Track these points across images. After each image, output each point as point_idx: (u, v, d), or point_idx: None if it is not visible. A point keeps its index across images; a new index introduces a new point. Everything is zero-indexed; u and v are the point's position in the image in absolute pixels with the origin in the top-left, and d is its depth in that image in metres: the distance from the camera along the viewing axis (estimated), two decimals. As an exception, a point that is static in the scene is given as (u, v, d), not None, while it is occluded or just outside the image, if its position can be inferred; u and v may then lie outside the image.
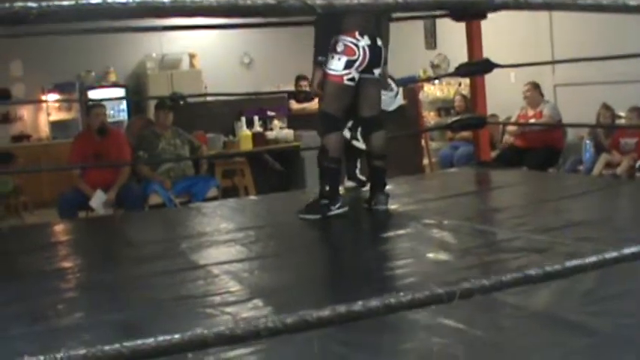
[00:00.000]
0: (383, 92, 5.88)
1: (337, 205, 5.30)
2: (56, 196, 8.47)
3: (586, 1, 1.60)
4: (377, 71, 5.32)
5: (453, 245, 4.33)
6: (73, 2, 1.25)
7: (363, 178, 6.38)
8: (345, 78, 5.15)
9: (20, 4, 1.21)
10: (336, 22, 5.09)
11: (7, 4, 1.20)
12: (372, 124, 5.51)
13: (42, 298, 3.73)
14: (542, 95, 10.10)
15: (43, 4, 1.21)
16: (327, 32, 5.17)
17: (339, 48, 5.12)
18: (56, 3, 1.24)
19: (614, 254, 1.78)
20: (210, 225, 5.41)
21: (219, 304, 3.38)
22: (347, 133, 6.07)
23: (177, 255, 4.63)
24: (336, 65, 5.13)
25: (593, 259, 1.74)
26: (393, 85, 6.01)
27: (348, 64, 5.12)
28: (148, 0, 1.33)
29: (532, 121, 9.99)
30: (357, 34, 5.12)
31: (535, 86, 10.04)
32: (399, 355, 2.69)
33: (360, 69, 5.16)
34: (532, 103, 10.04)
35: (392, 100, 6.07)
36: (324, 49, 5.17)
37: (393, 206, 5.52)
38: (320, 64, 5.20)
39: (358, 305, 1.49)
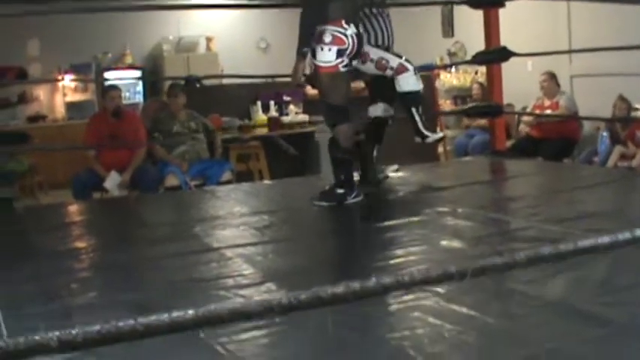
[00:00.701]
0: (402, 76, 5.86)
1: (353, 195, 5.29)
2: (71, 176, 8.48)
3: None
4: (355, 62, 5.30)
5: (466, 233, 4.33)
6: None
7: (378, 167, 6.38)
8: (340, 66, 5.11)
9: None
10: (321, 11, 5.05)
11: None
12: (337, 114, 5.40)
13: (56, 278, 3.75)
14: (558, 85, 10.07)
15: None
16: (312, 22, 5.10)
17: (327, 39, 5.04)
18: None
19: (628, 235, 1.78)
20: (224, 208, 5.43)
21: (232, 287, 3.39)
22: (418, 139, 6.07)
23: (190, 237, 4.65)
24: (328, 56, 5.07)
25: (606, 239, 1.74)
26: (408, 65, 5.96)
27: (340, 53, 5.07)
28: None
29: (548, 111, 9.96)
30: (343, 22, 5.08)
31: (552, 76, 10.00)
32: (410, 339, 2.69)
33: (350, 57, 5.14)
34: (548, 93, 10.01)
35: (417, 78, 6.01)
36: (308, 40, 5.11)
37: (406, 192, 5.52)
38: (304, 55, 5.16)
39: (372, 282, 1.49)
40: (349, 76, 5.33)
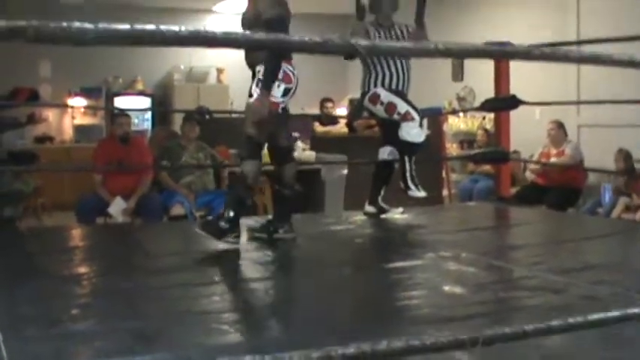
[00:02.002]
0: (407, 124, 5.93)
1: (234, 235, 5.11)
2: (76, 199, 8.50)
3: (621, 57, 1.63)
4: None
5: (468, 279, 4.33)
6: (128, 27, 1.28)
7: (383, 205, 6.40)
8: (281, 106, 5.11)
9: (78, 25, 1.24)
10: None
11: (64, 24, 1.23)
12: (286, 153, 5.45)
13: (57, 302, 3.76)
14: (566, 135, 10.10)
15: (100, 27, 1.24)
16: (279, 58, 5.03)
17: (280, 75, 5.01)
18: (113, 27, 1.27)
19: (637, 310, 1.80)
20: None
21: (233, 321, 3.40)
22: (401, 185, 6.14)
23: (193, 268, 4.66)
24: (276, 92, 5.02)
25: (616, 313, 1.75)
26: (416, 114, 6.02)
27: (286, 92, 5.07)
28: (201, 30, 1.37)
29: (554, 159, 9.98)
30: (292, 61, 5.10)
31: (560, 125, 10.03)
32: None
33: (289, 97, 5.15)
34: (555, 141, 10.04)
35: (419, 131, 6.07)
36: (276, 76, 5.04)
37: (410, 235, 5.54)
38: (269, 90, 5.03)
39: (382, 344, 1.51)
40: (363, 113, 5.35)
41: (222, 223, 5.08)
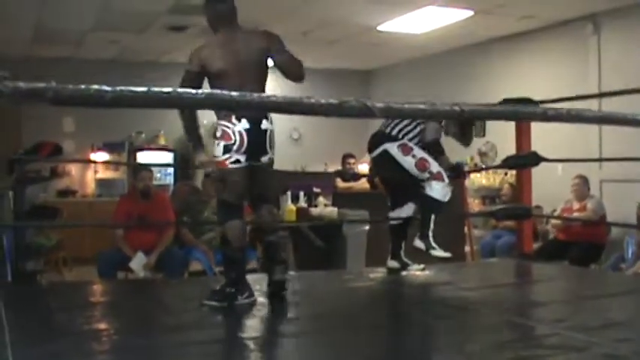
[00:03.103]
0: (437, 182, 5.95)
1: (245, 295, 5.12)
2: (97, 253, 8.52)
3: (636, 117, 1.62)
4: (264, 158, 5.17)
5: (489, 337, 4.31)
6: (145, 90, 1.29)
7: (406, 260, 6.38)
8: (228, 162, 5.02)
9: (95, 87, 1.25)
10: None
11: (82, 87, 1.24)
12: (262, 201, 5.33)
13: (76, 358, 3.75)
14: (589, 189, 10.08)
15: (117, 89, 1.25)
16: (184, 122, 5.23)
17: (218, 133, 5.04)
18: (130, 89, 1.28)
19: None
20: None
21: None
22: (420, 244, 6.11)
23: (213, 325, 4.66)
24: (217, 151, 5.05)
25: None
26: (445, 176, 6.05)
27: (227, 149, 5.00)
28: (217, 93, 1.37)
29: (576, 214, 9.95)
30: (233, 118, 4.99)
31: (584, 181, 10.02)
32: None
33: (242, 151, 5.02)
34: (579, 196, 10.02)
35: (448, 190, 6.10)
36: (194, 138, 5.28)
37: (431, 291, 5.51)
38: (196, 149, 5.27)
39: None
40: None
41: (228, 289, 5.11)
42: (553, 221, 10.54)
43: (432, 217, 6.08)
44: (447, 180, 6.03)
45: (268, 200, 5.38)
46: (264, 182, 5.25)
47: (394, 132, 6.16)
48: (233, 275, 5.16)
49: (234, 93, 1.38)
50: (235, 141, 4.99)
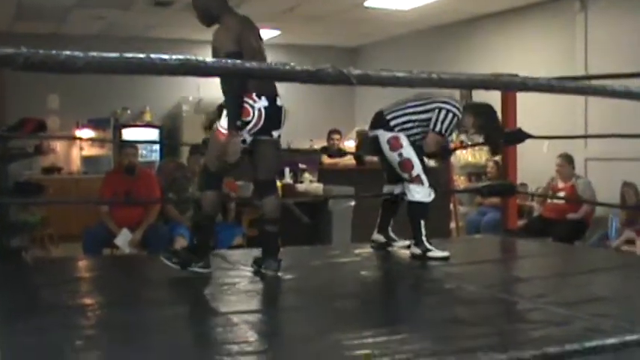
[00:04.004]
0: (414, 186, 5.93)
1: (200, 264, 5.13)
2: (82, 230, 8.52)
3: (615, 89, 1.63)
4: (276, 133, 5.19)
5: (472, 312, 4.33)
6: (117, 56, 1.29)
7: (393, 235, 6.39)
8: (239, 140, 4.99)
9: (67, 53, 1.25)
10: (234, 84, 4.94)
11: (54, 52, 1.24)
12: (266, 187, 5.33)
13: (61, 333, 3.75)
14: (573, 168, 10.11)
15: (89, 55, 1.25)
16: (239, 95, 4.98)
17: None
18: (102, 55, 1.27)
19: (635, 337, 1.79)
20: (233, 273, 5.42)
21: (236, 353, 3.38)
22: (416, 250, 6.03)
23: (198, 300, 4.66)
24: (226, 123, 4.98)
25: (612, 340, 1.75)
26: (425, 179, 6.01)
27: (242, 126, 4.97)
28: (190, 59, 1.37)
29: (562, 193, 9.98)
30: (254, 95, 4.99)
31: (568, 160, 10.04)
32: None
33: (252, 131, 5.03)
34: (563, 176, 10.05)
35: (429, 190, 6.04)
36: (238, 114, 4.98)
37: (415, 267, 5.53)
38: (238, 128, 4.97)
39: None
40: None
41: (188, 253, 5.16)
42: (538, 198, 10.59)
43: (422, 222, 6.02)
44: (426, 183, 5.99)
45: (275, 189, 5.42)
46: (268, 160, 5.25)
47: (392, 121, 6.08)
48: (195, 241, 5.20)
49: (208, 59, 1.39)
50: (253, 118, 4.98)
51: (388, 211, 6.43)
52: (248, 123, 4.98)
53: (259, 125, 5.02)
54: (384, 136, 6.05)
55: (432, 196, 6.03)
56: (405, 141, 5.99)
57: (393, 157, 6.02)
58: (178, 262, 5.13)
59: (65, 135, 14.45)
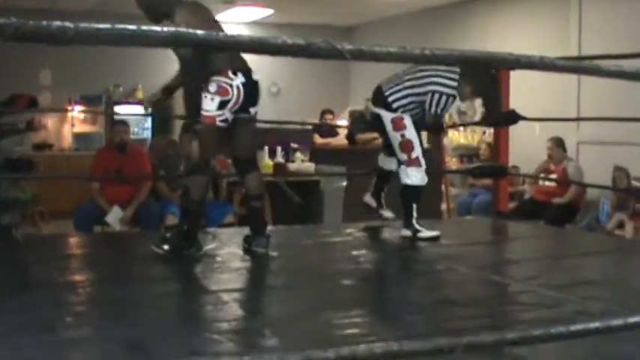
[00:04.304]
0: (411, 169, 5.90)
1: (192, 250, 5.13)
2: (74, 207, 8.50)
3: (610, 68, 1.62)
4: (253, 109, 5.14)
5: (462, 293, 4.34)
6: (109, 26, 1.28)
7: (383, 202, 6.39)
8: (218, 119, 4.93)
9: (58, 23, 1.24)
10: (205, 64, 4.93)
11: (44, 23, 1.22)
12: (248, 164, 5.27)
13: (52, 309, 3.75)
14: (565, 150, 10.11)
15: (80, 26, 1.24)
16: (197, 77, 4.98)
17: (213, 88, 4.90)
18: (93, 26, 1.26)
19: (620, 322, 1.79)
20: (224, 251, 5.42)
21: (226, 331, 3.39)
22: (407, 232, 6.01)
23: (188, 278, 4.67)
24: (210, 106, 4.90)
25: (596, 324, 1.74)
26: (423, 162, 5.98)
27: (222, 105, 4.90)
28: (182, 31, 1.36)
29: (553, 176, 9.99)
30: (229, 73, 4.93)
31: (558, 144, 10.04)
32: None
33: (234, 109, 4.96)
34: (554, 159, 10.06)
35: (423, 175, 6.01)
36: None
37: (406, 248, 5.54)
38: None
39: (362, 349, 1.50)
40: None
41: (177, 240, 5.13)
42: (529, 181, 10.60)
43: (414, 205, 6.00)
44: (423, 166, 5.97)
45: (255, 165, 5.37)
46: (247, 137, 5.20)
47: (395, 103, 5.97)
48: (185, 228, 5.16)
49: (199, 31, 1.37)
50: (233, 96, 4.92)
51: (382, 180, 6.43)
52: (228, 102, 4.92)
53: (239, 103, 4.95)
54: (387, 116, 6.01)
55: (426, 180, 6.02)
56: (408, 121, 5.96)
57: (396, 136, 5.99)
58: (169, 249, 5.10)
59: (57, 109, 14.39)
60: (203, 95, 4.92)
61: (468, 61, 1.95)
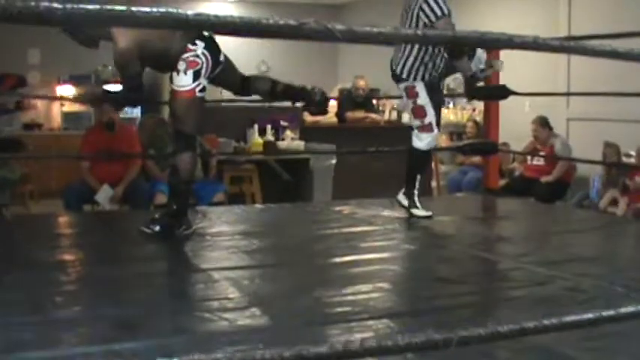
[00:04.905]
0: (425, 135, 5.84)
1: (183, 228, 5.11)
2: (63, 187, 8.49)
3: (603, 48, 1.61)
4: (217, 69, 5.13)
5: (452, 271, 4.35)
6: (98, 7, 1.27)
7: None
8: (197, 90, 4.93)
9: (45, 4, 1.22)
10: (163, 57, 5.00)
11: (32, 3, 1.21)
12: (187, 140, 5.10)
13: (41, 289, 3.75)
14: (551, 129, 10.11)
15: (68, 6, 1.22)
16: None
17: (182, 66, 4.91)
18: (81, 6, 1.25)
19: (612, 313, 1.79)
20: (214, 229, 5.42)
21: (217, 310, 3.38)
22: (403, 200, 5.95)
23: (179, 257, 4.66)
24: (185, 80, 4.91)
25: (589, 315, 1.74)
26: (436, 129, 5.91)
27: (196, 76, 4.91)
28: (172, 11, 1.35)
29: (542, 153, 10.00)
30: (189, 47, 4.94)
31: (543, 123, 10.04)
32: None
33: (207, 75, 4.97)
34: (540, 140, 10.07)
35: (433, 140, 5.96)
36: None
37: (396, 225, 5.55)
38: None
39: (355, 343, 1.50)
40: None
41: (169, 218, 5.11)
42: (519, 158, 10.62)
43: (418, 176, 5.97)
44: (435, 131, 5.94)
45: (192, 146, 5.20)
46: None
47: (404, 73, 5.88)
48: (175, 207, 5.13)
49: (189, 11, 1.36)
50: (202, 63, 4.93)
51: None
52: (200, 70, 4.93)
53: (210, 67, 4.97)
54: (401, 86, 5.95)
55: (434, 144, 6.00)
56: (420, 89, 5.87)
57: (409, 104, 5.99)
58: (160, 230, 5.08)
59: (45, 94, 14.32)
60: (174, 73, 4.96)
61: (460, 41, 1.94)
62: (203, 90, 4.98)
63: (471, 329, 1.66)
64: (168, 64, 5.00)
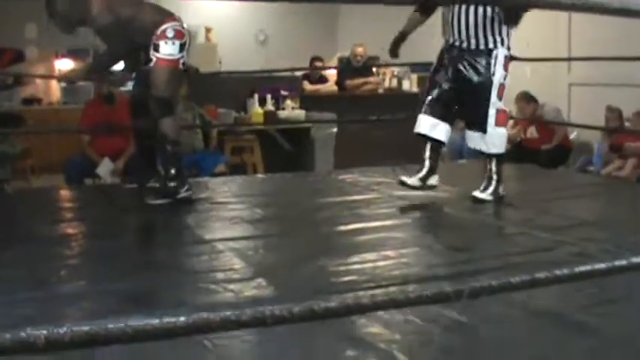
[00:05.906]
0: (497, 130, 5.54)
1: (185, 188, 5.21)
2: (64, 161, 8.46)
3: (612, 5, 1.57)
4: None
5: (458, 237, 4.33)
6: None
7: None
8: (180, 62, 5.11)
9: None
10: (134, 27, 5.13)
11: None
12: (167, 105, 5.17)
13: (45, 264, 3.73)
14: (536, 102, 9.94)
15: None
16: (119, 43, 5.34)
17: (170, 33, 5.01)
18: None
19: (624, 262, 1.76)
20: (216, 200, 5.40)
21: (222, 281, 3.37)
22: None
23: (182, 228, 4.64)
24: (172, 49, 5.03)
25: (602, 266, 1.72)
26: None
27: (182, 48, 5.07)
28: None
29: (534, 132, 9.90)
30: (176, 17, 5.12)
31: (526, 99, 9.84)
32: (400, 344, 2.67)
33: (186, 49, 5.15)
34: (530, 116, 9.90)
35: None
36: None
37: (399, 193, 5.52)
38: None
39: (366, 298, 1.47)
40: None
41: (169, 184, 5.18)
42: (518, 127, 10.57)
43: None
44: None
45: (171, 109, 5.30)
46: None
47: (474, 41, 5.64)
48: (172, 170, 5.19)
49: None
50: (186, 37, 5.12)
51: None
52: (185, 44, 5.10)
53: (188, 44, 5.15)
54: (502, 57, 5.62)
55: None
56: (433, 72, 5.83)
57: (498, 78, 5.61)
58: (165, 196, 5.15)
59: (44, 71, 14.27)
60: (162, 42, 5.03)
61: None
62: (184, 64, 5.18)
63: (482, 280, 1.64)
64: (141, 33, 5.10)
